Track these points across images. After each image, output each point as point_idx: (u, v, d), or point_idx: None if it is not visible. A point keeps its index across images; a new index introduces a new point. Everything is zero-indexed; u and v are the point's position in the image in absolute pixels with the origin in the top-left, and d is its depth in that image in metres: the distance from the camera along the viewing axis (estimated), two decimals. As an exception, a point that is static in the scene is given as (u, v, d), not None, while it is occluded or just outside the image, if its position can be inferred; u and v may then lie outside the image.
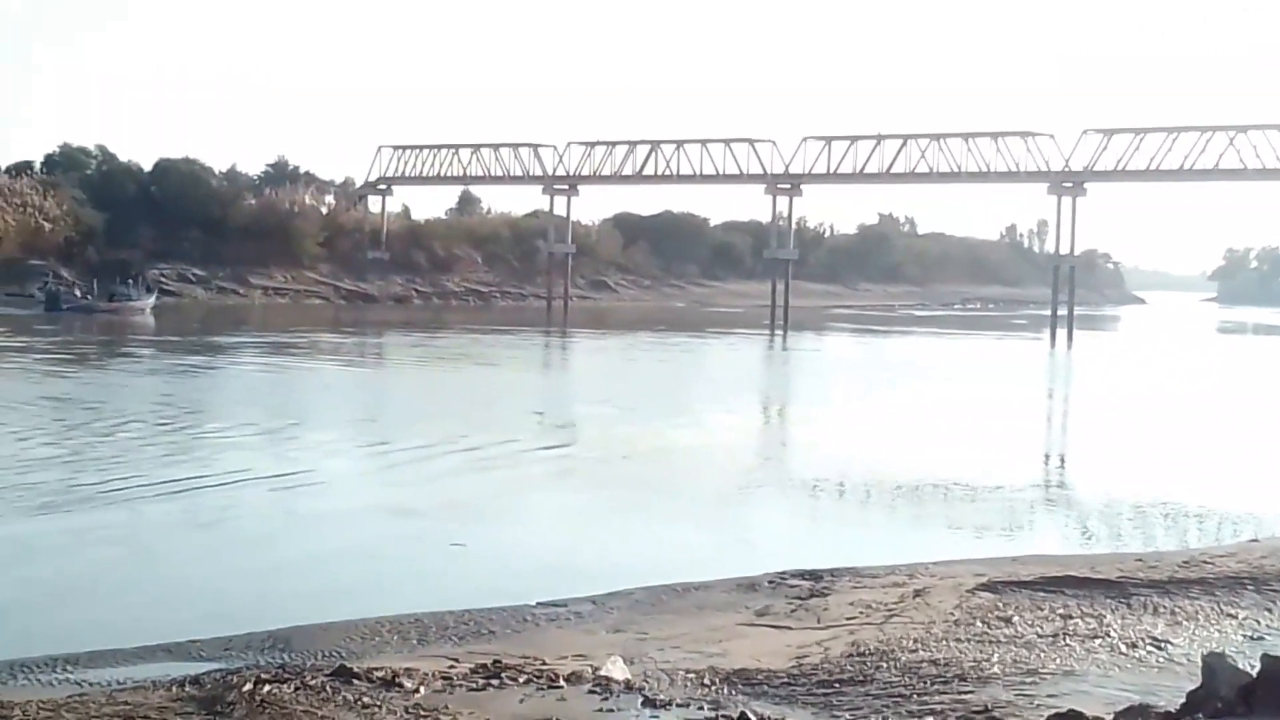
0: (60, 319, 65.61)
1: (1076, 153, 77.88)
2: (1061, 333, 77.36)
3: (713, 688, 10.13)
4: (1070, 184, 78.48)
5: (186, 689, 9.27)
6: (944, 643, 11.57)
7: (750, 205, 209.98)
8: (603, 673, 10.18)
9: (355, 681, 9.27)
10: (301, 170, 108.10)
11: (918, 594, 13.82)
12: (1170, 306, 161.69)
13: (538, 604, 13.82)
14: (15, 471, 20.98)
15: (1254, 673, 6.16)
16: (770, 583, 14.79)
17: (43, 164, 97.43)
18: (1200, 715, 5.83)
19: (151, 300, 76.04)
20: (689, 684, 10.25)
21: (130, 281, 76.39)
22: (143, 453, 23.85)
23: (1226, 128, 74.20)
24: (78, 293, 73.38)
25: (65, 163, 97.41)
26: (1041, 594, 13.57)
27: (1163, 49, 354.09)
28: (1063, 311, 79.89)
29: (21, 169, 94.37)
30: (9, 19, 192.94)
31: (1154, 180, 78.54)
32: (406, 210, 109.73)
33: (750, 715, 8.86)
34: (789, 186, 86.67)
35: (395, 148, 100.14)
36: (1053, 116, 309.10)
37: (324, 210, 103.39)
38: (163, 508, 18.68)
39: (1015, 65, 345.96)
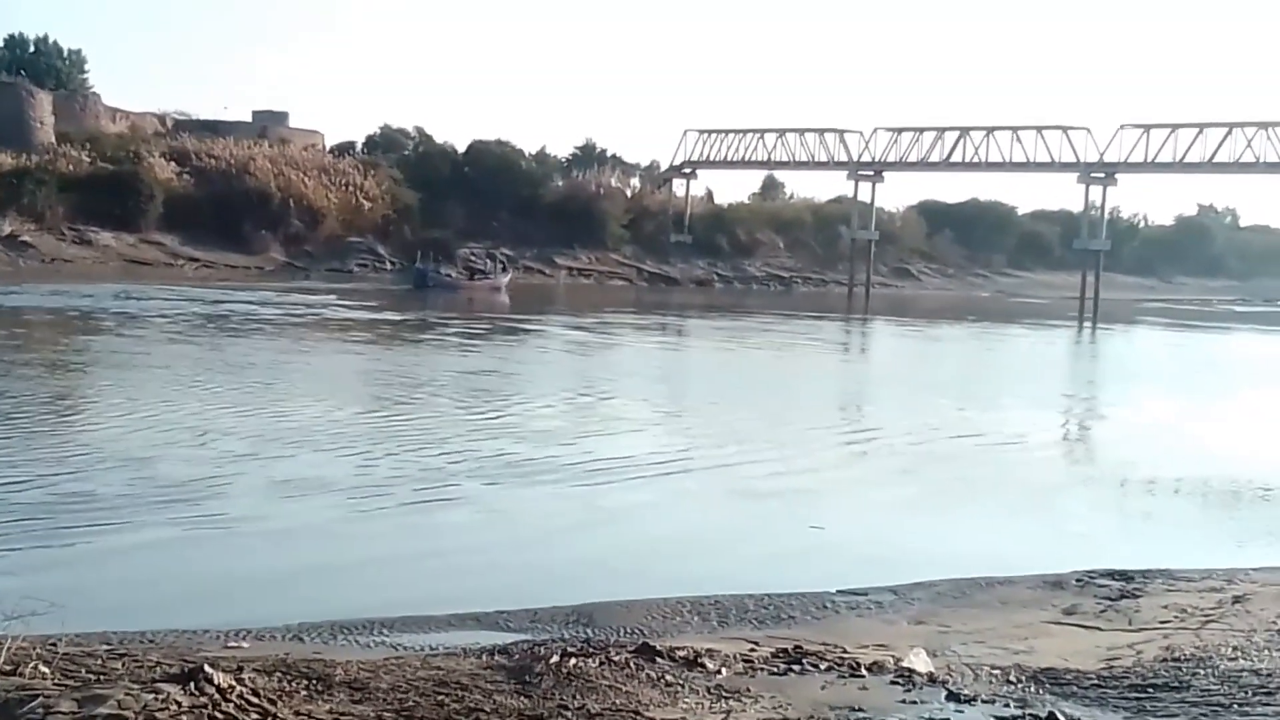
0: (428, 295, 68.65)
1: None
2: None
3: (1019, 685, 9.88)
4: None
5: (496, 658, 9.50)
6: (1266, 652, 11.04)
7: (1060, 194, 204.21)
8: (905, 664, 10.04)
9: (658, 659, 9.36)
10: (608, 153, 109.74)
11: (1236, 600, 13.25)
12: None
13: (838, 591, 13.74)
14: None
15: None
16: (1078, 581, 14.40)
17: (364, 145, 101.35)
18: None
19: (507, 278, 78.79)
20: (994, 680, 10.01)
21: (489, 260, 79.99)
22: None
23: None
24: (443, 270, 76.31)
25: (385, 143, 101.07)
26: (1372, 607, 12.85)
27: None
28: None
29: (345, 149, 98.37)
30: (337, 7, 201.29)
31: None
32: (710, 194, 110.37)
33: (1059, 715, 8.61)
34: (1103, 175, 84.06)
35: (700, 131, 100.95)
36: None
37: (629, 193, 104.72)
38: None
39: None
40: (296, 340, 41.64)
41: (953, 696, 9.16)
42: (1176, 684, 9.97)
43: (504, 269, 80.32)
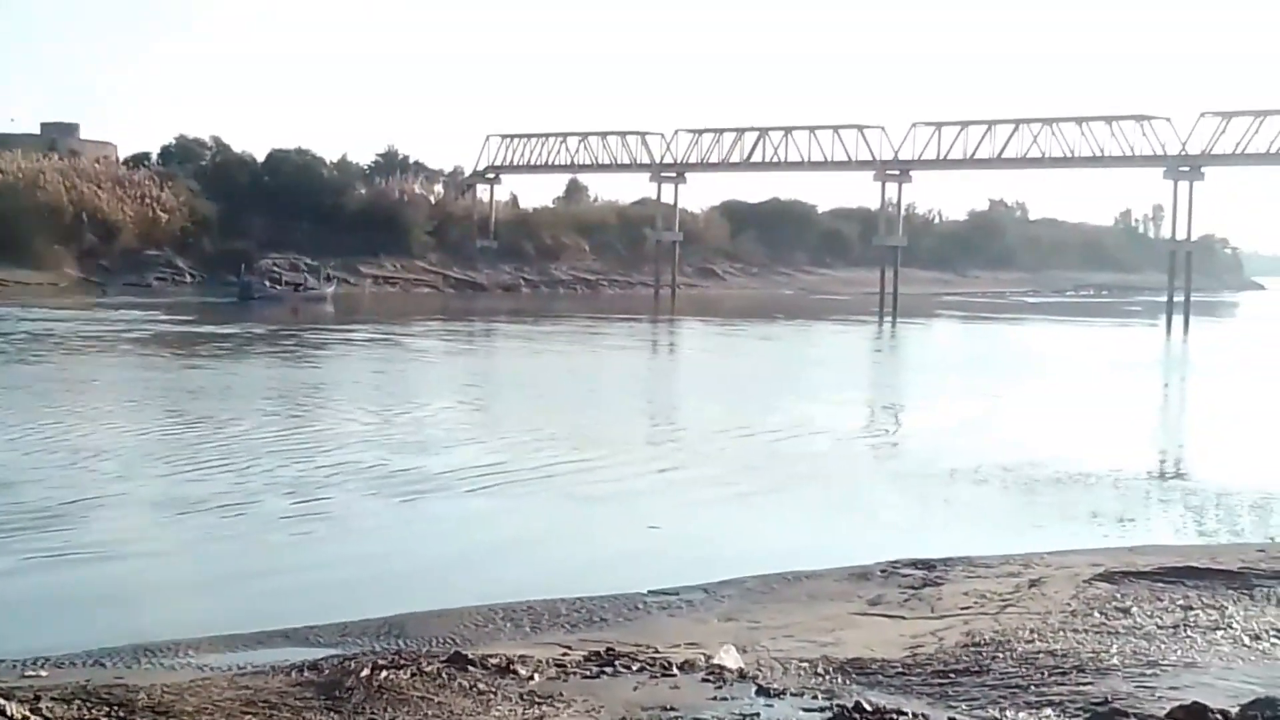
0: (253, 307, 68.10)
1: (1194, 136, 76.57)
2: (1178, 319, 76.10)
3: (827, 677, 10.08)
4: (1187, 168, 77.15)
5: (305, 674, 9.39)
6: (1061, 633, 11.41)
7: (859, 192, 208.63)
8: (716, 661, 10.17)
9: (470, 668, 9.34)
10: (411, 160, 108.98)
11: (1033, 584, 13.66)
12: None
13: (649, 592, 13.84)
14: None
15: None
16: (883, 572, 14.70)
17: (159, 155, 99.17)
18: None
19: (332, 289, 79.55)
20: (803, 673, 10.20)
21: (308, 271, 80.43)
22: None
23: (1350, 108, 72.61)
24: (267, 283, 76.63)
25: (180, 154, 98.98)
26: (1160, 585, 13.35)
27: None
28: (1179, 298, 78.63)
29: (139, 160, 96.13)
30: (128, 12, 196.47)
31: (1274, 164, 76.94)
32: (515, 199, 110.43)
33: (865, 705, 8.80)
34: (898, 173, 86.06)
35: (503, 136, 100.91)
36: (1168, 99, 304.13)
37: (433, 200, 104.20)
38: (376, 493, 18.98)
39: (1129, 48, 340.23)
40: (123, 356, 40.62)
41: (762, 691, 9.30)
42: (977, 668, 10.26)
43: (329, 280, 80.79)
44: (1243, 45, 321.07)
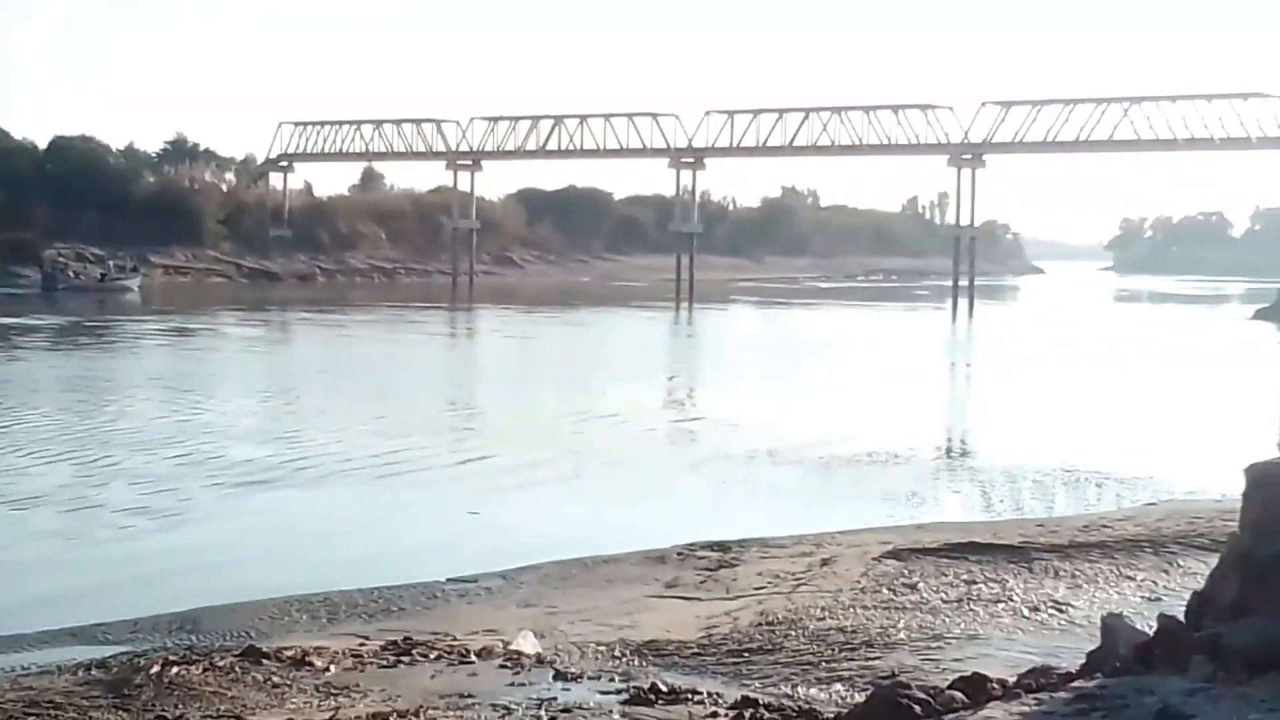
0: (57, 298, 66.44)
1: (975, 125, 78.72)
2: (963, 303, 78.18)
3: (623, 660, 10.20)
4: (969, 156, 79.32)
5: (93, 672, 9.20)
6: (851, 610, 11.70)
7: (654, 179, 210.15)
8: (513, 647, 10.22)
9: (265, 661, 9.25)
10: (201, 148, 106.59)
11: (825, 563, 13.96)
12: (1068, 276, 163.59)
13: (448, 580, 13.82)
14: None
15: (1150, 632, 6.31)
16: (679, 555, 14.88)
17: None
18: (1099, 675, 5.97)
19: (137, 279, 78.48)
20: (600, 656, 10.30)
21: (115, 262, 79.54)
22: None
23: (1120, 99, 75.31)
24: (72, 274, 75.79)
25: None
26: (946, 560, 13.75)
27: (1059, 18, 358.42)
28: (964, 282, 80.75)
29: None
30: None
31: (1051, 152, 79.64)
32: (309, 187, 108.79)
33: (661, 686, 8.93)
34: (692, 160, 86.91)
35: (296, 124, 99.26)
36: (951, 89, 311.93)
37: (224, 188, 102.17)
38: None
39: (915, 39, 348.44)
40: None
41: (560, 675, 9.38)
42: (770, 646, 10.47)
43: (134, 270, 79.86)
44: (1020, 39, 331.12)
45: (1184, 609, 6.66)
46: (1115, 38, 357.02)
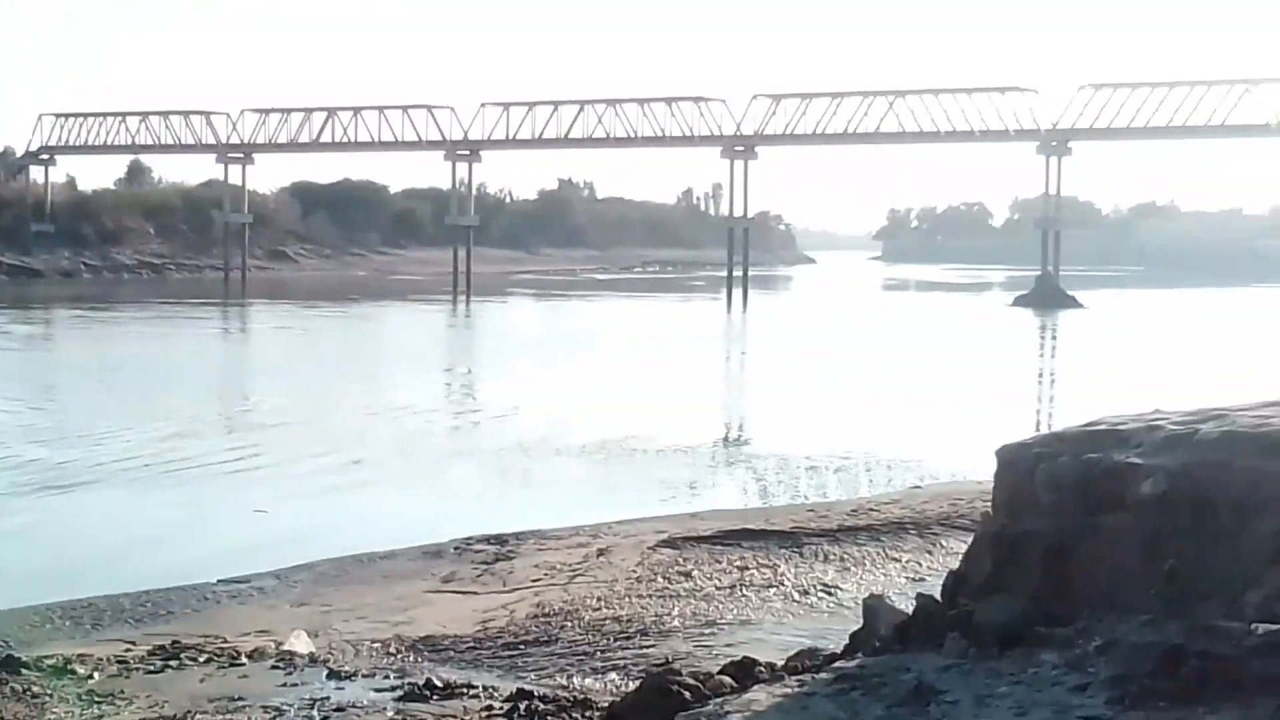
0: None
1: (748, 117, 79.93)
2: (738, 293, 79.32)
3: (399, 656, 10.15)
4: (742, 147, 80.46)
5: None
6: (627, 599, 11.82)
7: (431, 172, 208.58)
8: (286, 647, 10.09)
9: (24, 671, 8.97)
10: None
11: (601, 553, 14.08)
12: (839, 266, 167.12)
13: (219, 581, 13.55)
14: None
15: (910, 612, 6.50)
16: (456, 549, 14.84)
17: None
18: (860, 654, 6.14)
19: None
20: (374, 654, 10.24)
21: None
22: None
23: (886, 93, 77.28)
24: None
25: None
26: (720, 547, 13.99)
27: (825, 11, 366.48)
28: (738, 273, 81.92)
29: None
30: None
31: (820, 143, 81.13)
32: (72, 181, 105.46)
33: (436, 681, 8.92)
34: (468, 153, 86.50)
35: (58, 115, 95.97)
36: (726, 82, 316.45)
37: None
38: None
39: (688, 34, 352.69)
40: None
41: (333, 674, 9.30)
42: (546, 638, 10.54)
43: None
44: (791, 33, 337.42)
45: (940, 588, 6.88)
46: (882, 35, 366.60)
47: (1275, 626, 5.17)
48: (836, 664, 6.07)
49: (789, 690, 5.59)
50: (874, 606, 6.85)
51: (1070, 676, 5.26)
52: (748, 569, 12.96)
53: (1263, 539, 5.86)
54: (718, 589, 12.20)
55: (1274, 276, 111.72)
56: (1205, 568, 6.00)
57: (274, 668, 9.47)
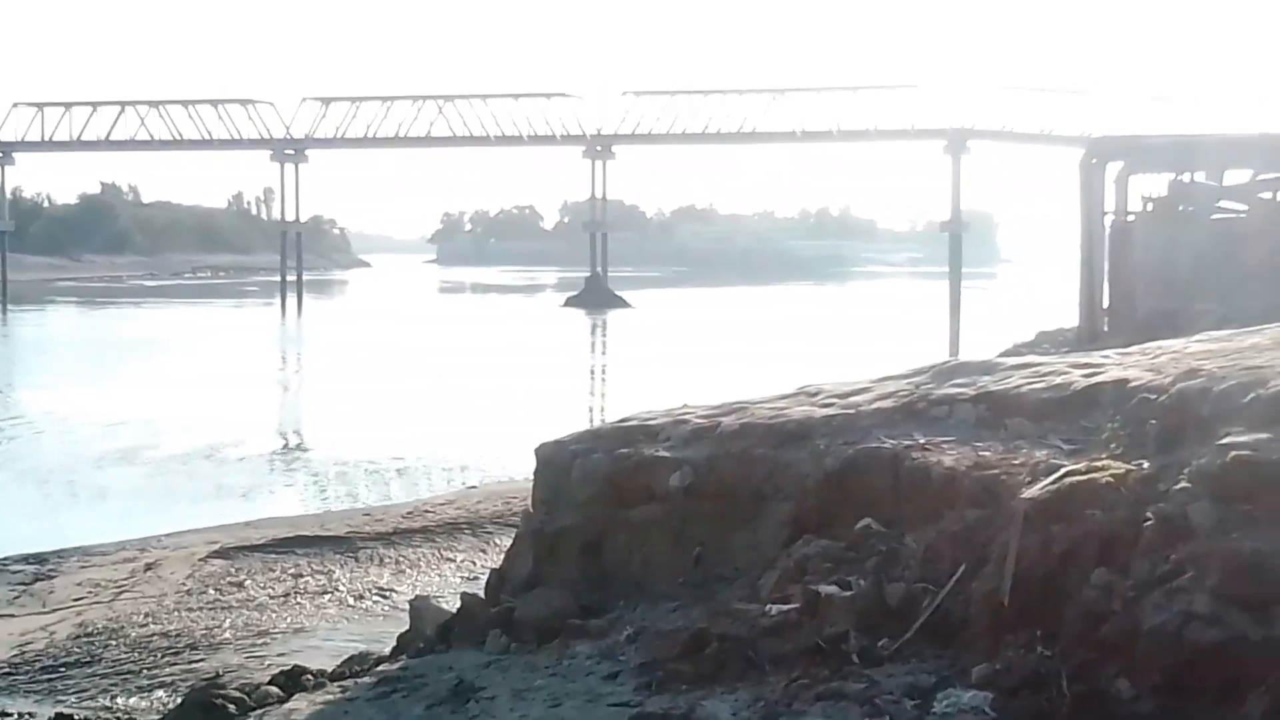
0: None
1: (297, 120, 78.75)
2: (292, 299, 78.02)
3: (-73, 688, 9.61)
4: (292, 151, 79.18)
5: None
6: (176, 613, 11.56)
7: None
8: None
9: None
10: None
11: (149, 567, 13.68)
12: (395, 269, 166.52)
13: None
14: None
15: (454, 610, 6.66)
16: (-12, 572, 14.13)
17: None
18: (405, 656, 6.25)
19: None
20: (-100, 687, 9.66)
21: None
22: None
23: (436, 97, 77.59)
24: None
25: None
26: (273, 555, 13.84)
27: (372, 13, 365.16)
28: (292, 277, 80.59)
29: None
30: None
31: (371, 147, 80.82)
32: None
33: (-33, 712, 8.51)
34: (1, 155, 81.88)
35: None
36: (274, 85, 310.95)
37: None
38: None
39: (232, 36, 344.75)
40: None
41: None
42: (89, 659, 10.19)
43: None
44: (337, 36, 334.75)
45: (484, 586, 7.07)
46: (431, 40, 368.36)
47: (786, 607, 5.56)
48: (380, 667, 6.17)
49: (331, 696, 5.65)
50: (419, 607, 6.98)
51: (603, 665, 5.51)
52: (302, 576, 12.88)
53: (778, 524, 6.30)
54: (271, 598, 12.08)
55: (804, 275, 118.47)
56: (728, 554, 6.40)
57: None
